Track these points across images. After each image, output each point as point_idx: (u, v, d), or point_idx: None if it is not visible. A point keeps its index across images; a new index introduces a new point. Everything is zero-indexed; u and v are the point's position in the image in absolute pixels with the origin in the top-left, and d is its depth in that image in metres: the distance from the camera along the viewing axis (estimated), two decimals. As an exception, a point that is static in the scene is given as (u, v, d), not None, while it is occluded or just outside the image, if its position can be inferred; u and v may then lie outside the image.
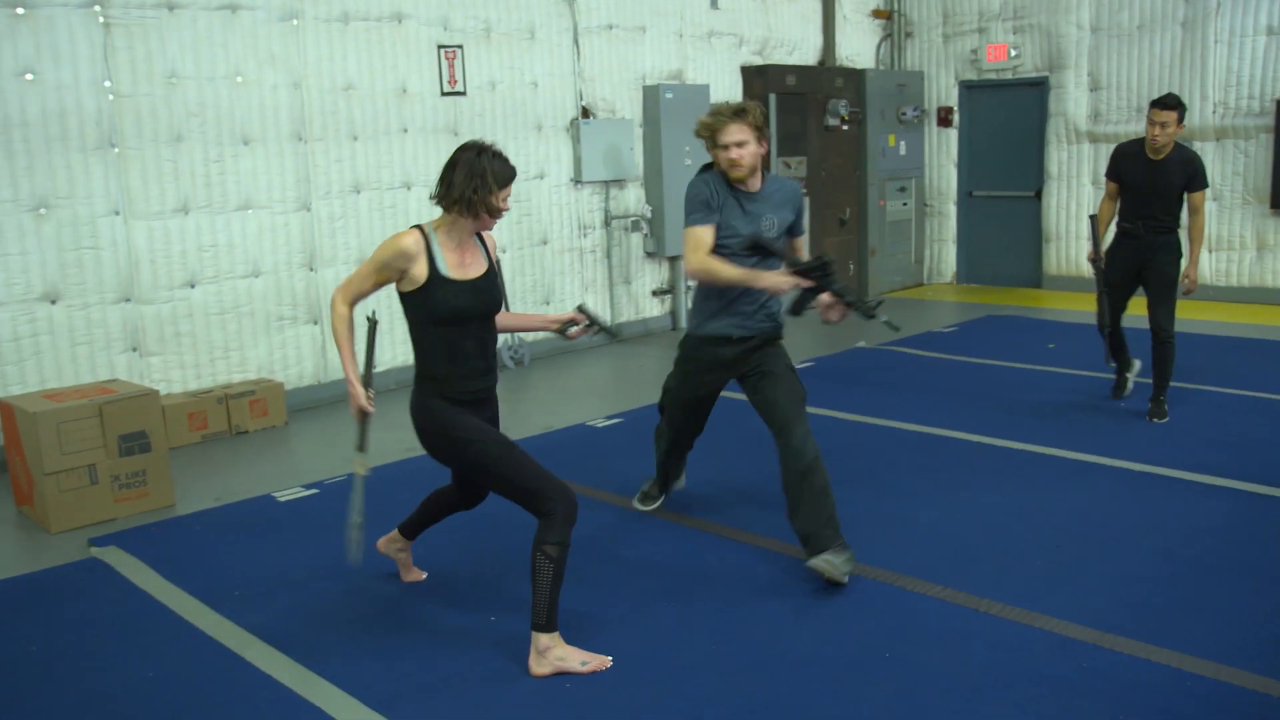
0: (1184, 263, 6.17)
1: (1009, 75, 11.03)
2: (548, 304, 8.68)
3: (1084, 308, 9.47)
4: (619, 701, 3.29)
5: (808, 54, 10.81)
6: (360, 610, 3.99)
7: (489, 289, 3.55)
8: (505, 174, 3.42)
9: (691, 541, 4.58)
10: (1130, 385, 6.66)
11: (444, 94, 7.78)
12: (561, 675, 3.43)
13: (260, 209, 6.90)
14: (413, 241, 3.42)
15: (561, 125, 8.60)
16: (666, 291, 9.64)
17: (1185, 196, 6.05)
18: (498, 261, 3.67)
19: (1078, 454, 5.57)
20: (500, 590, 4.12)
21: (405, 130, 7.59)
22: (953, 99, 11.48)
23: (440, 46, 7.72)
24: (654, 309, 9.61)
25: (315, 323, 7.24)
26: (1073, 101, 10.44)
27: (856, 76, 10.87)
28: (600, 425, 6.48)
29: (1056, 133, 10.63)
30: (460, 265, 3.48)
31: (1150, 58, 9.98)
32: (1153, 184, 6.07)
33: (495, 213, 3.44)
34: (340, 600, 4.08)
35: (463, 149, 3.43)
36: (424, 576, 4.21)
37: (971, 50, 11.24)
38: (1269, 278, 9.70)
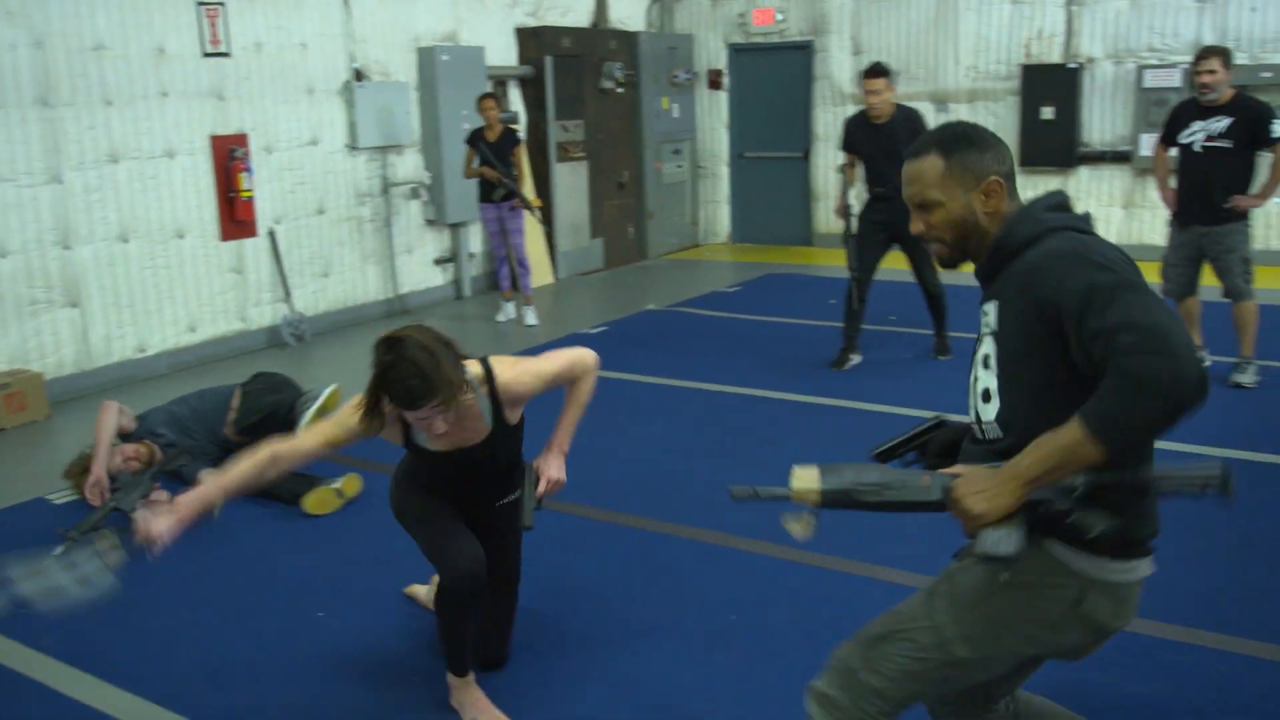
0: None
1: (776, 39, 11.30)
2: (326, 276, 8.26)
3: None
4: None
5: (580, 16, 10.70)
6: (165, 613, 3.67)
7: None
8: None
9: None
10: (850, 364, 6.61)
11: (206, 55, 7.22)
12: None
13: (4, 182, 6.20)
14: None
15: (334, 88, 8.16)
16: (449, 260, 9.38)
17: None
18: None
19: (924, 411, 5.64)
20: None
21: (165, 94, 6.99)
22: (722, 62, 11.67)
23: (200, 4, 7.13)
24: (436, 278, 9.32)
25: (74, 305, 6.60)
26: (836, 65, 10.82)
27: (629, 39, 10.85)
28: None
29: (822, 95, 10.99)
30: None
31: (908, 23, 10.44)
32: (881, 149, 6.32)
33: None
34: (142, 609, 3.74)
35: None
36: None
37: (739, 14, 11.43)
38: (1016, 231, 10.37)
